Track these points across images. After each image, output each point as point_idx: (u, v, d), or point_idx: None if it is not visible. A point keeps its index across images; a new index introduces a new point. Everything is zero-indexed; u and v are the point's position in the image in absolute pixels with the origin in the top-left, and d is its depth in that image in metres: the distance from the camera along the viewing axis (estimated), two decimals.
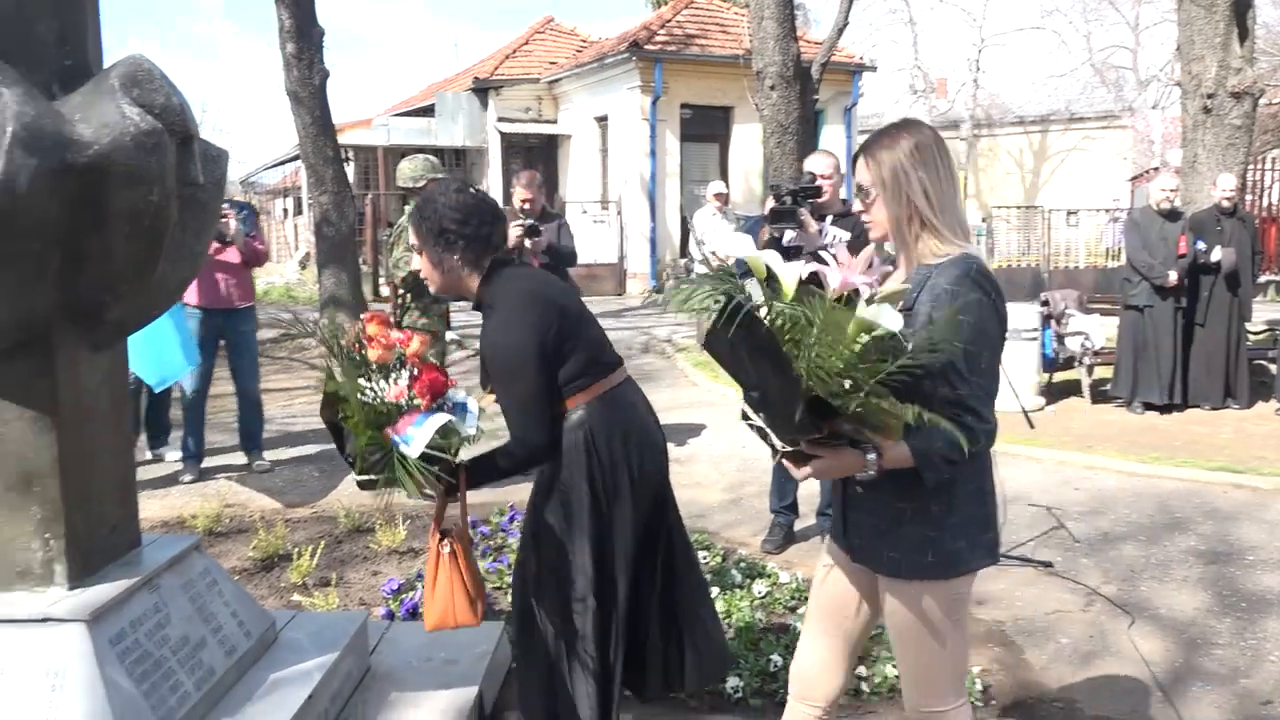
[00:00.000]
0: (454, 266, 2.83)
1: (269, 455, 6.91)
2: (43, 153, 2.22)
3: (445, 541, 2.72)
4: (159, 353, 5.84)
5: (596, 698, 2.76)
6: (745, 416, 2.27)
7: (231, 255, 6.31)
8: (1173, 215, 8.20)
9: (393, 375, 2.68)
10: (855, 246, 4.70)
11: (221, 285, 6.29)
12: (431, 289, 2.94)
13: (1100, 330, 8.91)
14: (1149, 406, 8.36)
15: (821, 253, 2.27)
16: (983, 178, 31.28)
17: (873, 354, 1.97)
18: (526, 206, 6.11)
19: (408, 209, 6.03)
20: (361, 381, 2.66)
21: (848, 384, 1.96)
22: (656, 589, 2.94)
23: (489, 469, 2.79)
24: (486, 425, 2.80)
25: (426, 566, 2.77)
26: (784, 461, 2.19)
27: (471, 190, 2.92)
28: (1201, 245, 8.17)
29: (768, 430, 2.18)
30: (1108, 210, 21.96)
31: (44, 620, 2.43)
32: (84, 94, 2.45)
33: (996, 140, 31.23)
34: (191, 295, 6.26)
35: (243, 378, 6.60)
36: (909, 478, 2.14)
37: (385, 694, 3.12)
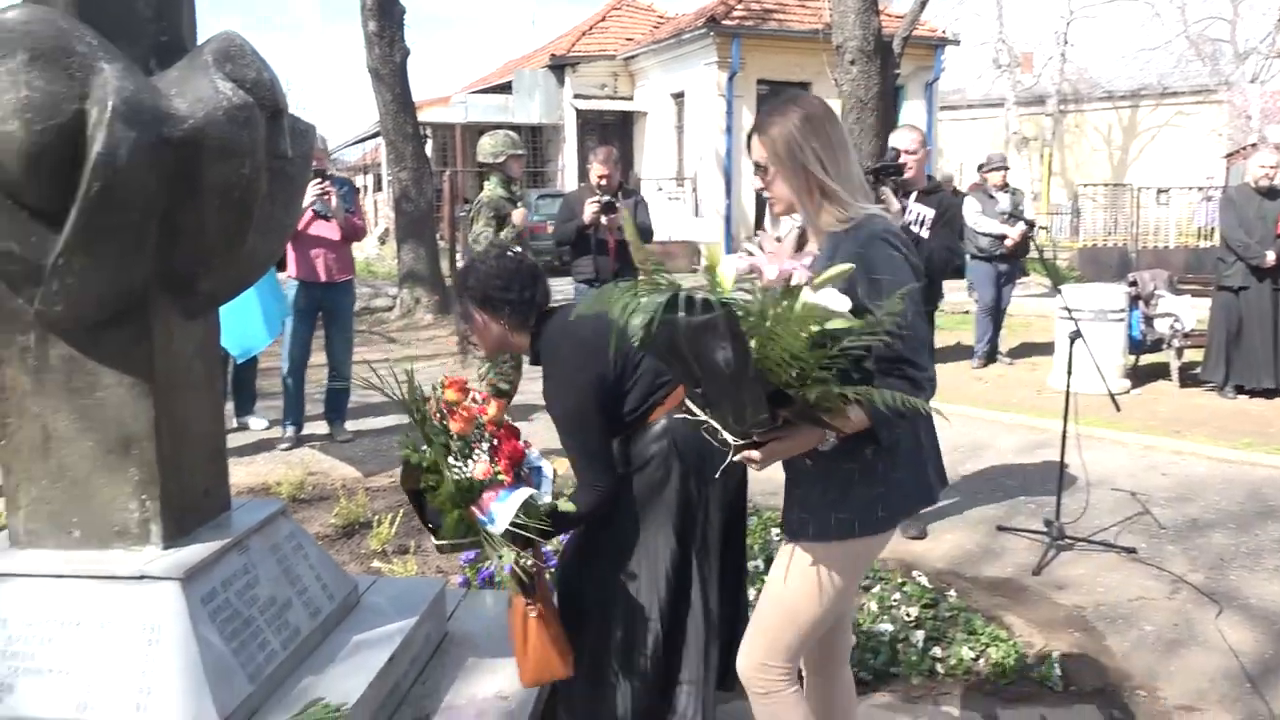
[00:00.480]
0: (501, 329, 2.93)
1: (351, 425, 7.06)
2: (141, 126, 2.30)
3: (531, 606, 2.72)
4: (243, 324, 6.01)
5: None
6: (690, 414, 2.21)
7: (331, 231, 6.45)
8: (1271, 193, 7.87)
9: (474, 448, 2.71)
10: (940, 223, 4.64)
11: (321, 259, 6.44)
12: (482, 351, 3.01)
13: (1191, 312, 8.62)
14: (1241, 391, 8.08)
15: (747, 244, 2.33)
16: (1068, 155, 30.41)
17: (822, 340, 1.98)
18: (603, 183, 6.11)
19: (487, 185, 6.12)
20: (450, 460, 2.68)
21: (796, 373, 1.97)
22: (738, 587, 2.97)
23: (563, 528, 2.87)
24: (560, 490, 2.86)
25: (514, 624, 2.77)
26: (741, 455, 2.17)
27: (511, 254, 3.01)
28: None
29: (718, 426, 2.15)
30: (1200, 188, 21.18)
31: (140, 578, 2.53)
32: (179, 69, 2.52)
33: (1084, 116, 30.31)
34: (292, 268, 6.43)
35: (335, 349, 6.75)
36: (853, 439, 2.15)
37: (462, 659, 3.18)
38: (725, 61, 18.54)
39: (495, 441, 2.72)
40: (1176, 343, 8.50)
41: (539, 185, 21.30)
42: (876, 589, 4.12)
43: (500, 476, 2.65)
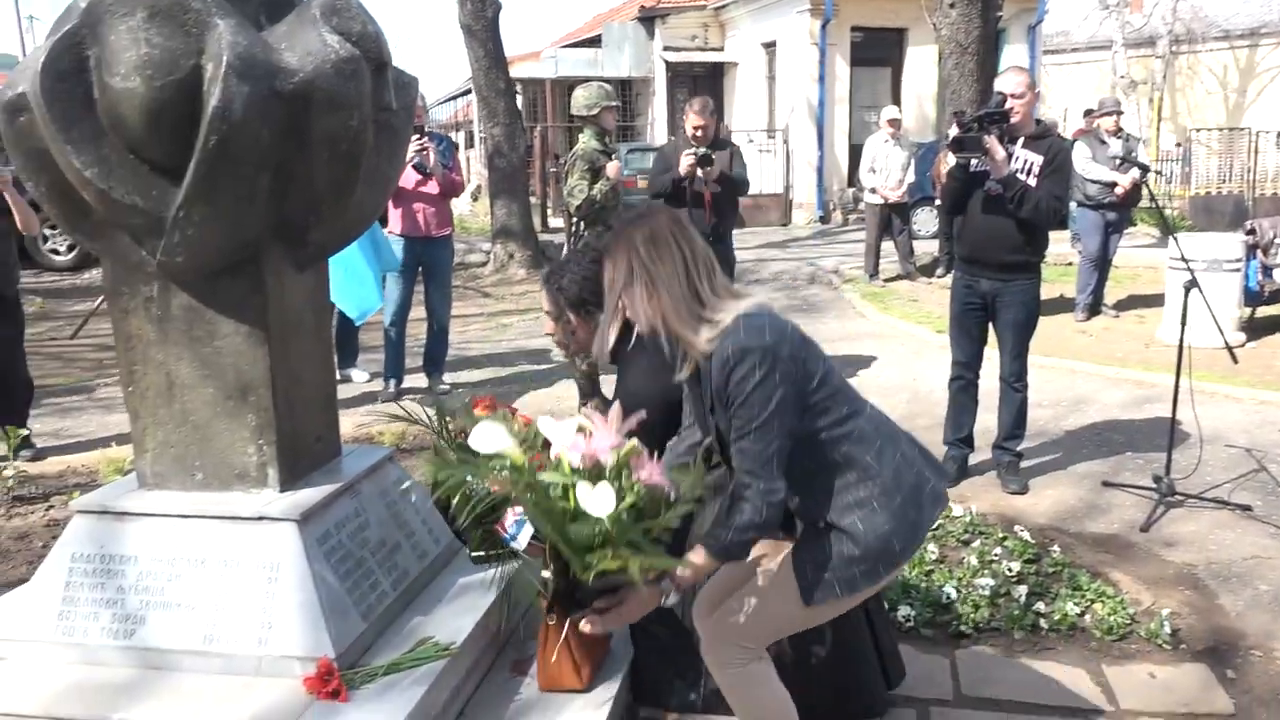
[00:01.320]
0: (591, 330, 2.98)
1: (449, 379, 7.20)
2: (254, 80, 2.36)
3: (551, 614, 2.69)
4: (358, 287, 6.17)
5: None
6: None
7: (431, 186, 6.55)
8: None
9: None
10: (1049, 170, 4.47)
11: (421, 215, 6.55)
12: (575, 347, 3.05)
13: None
14: None
15: (583, 415, 2.36)
16: (1179, 99, 29.01)
17: (626, 521, 2.15)
18: (699, 134, 6.05)
19: (581, 138, 6.11)
20: (469, 479, 2.64)
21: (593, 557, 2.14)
22: None
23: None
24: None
25: (540, 629, 2.78)
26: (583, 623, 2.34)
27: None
28: None
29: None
30: None
31: (260, 519, 2.64)
32: (288, 23, 2.57)
33: (1197, 57, 28.82)
34: (395, 224, 6.56)
35: (435, 303, 6.88)
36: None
37: None
38: (818, 8, 18.10)
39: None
40: None
41: (629, 139, 21.20)
42: (977, 544, 4.07)
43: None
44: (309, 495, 2.73)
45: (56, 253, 13.26)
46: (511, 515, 2.68)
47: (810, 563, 2.26)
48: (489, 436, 2.29)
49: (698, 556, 2.21)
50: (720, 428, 2.26)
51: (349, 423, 6.21)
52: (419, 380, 7.17)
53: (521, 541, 2.65)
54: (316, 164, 2.59)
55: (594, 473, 2.19)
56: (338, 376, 7.18)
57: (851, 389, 2.33)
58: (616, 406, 2.35)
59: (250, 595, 2.55)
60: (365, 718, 2.32)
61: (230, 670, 2.51)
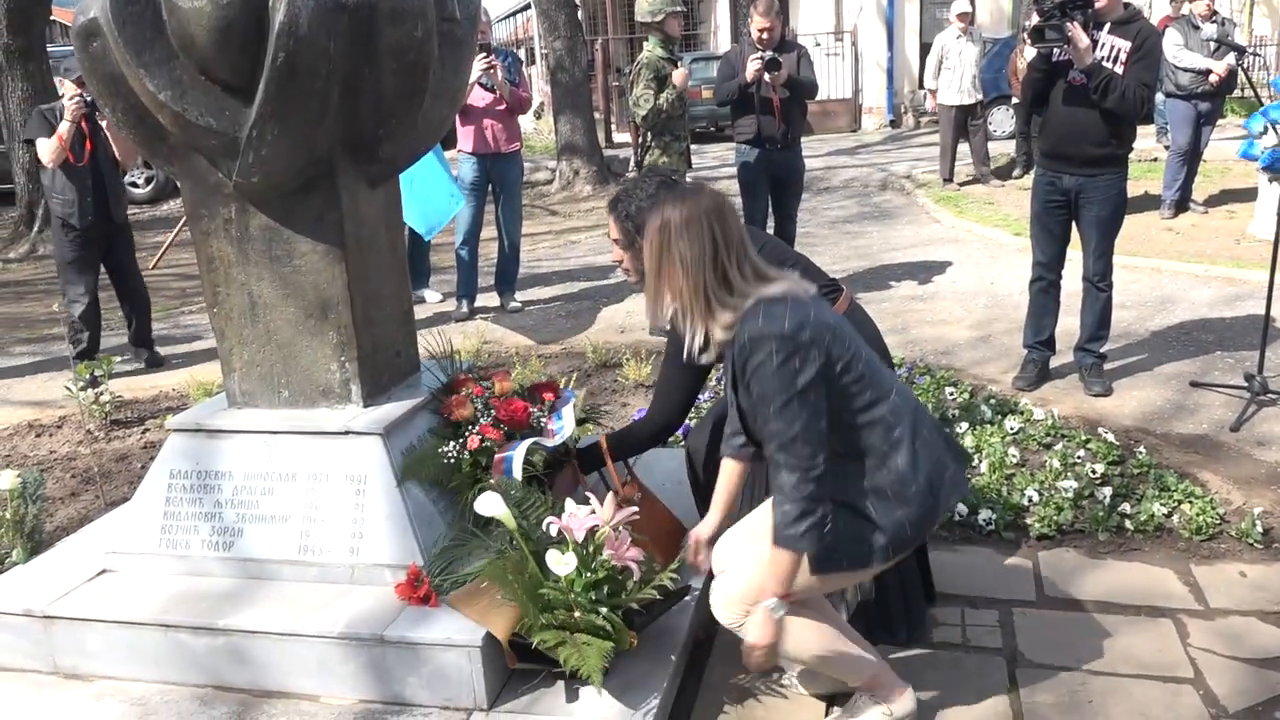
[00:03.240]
0: None
1: (520, 297, 7.25)
2: None
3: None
4: (425, 202, 6.18)
5: None
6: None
7: (498, 103, 6.50)
8: None
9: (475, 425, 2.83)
10: (1137, 57, 4.24)
11: (490, 131, 6.51)
12: (634, 279, 2.93)
13: None
14: None
15: (590, 494, 2.50)
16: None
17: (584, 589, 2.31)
18: (765, 36, 5.86)
19: (646, 45, 5.98)
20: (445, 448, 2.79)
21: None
22: None
23: (629, 447, 2.98)
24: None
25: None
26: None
27: (668, 180, 2.86)
28: None
29: None
30: None
31: (346, 433, 2.70)
32: None
33: None
34: (465, 142, 6.53)
35: (506, 221, 6.88)
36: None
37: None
38: None
39: (493, 411, 2.82)
40: None
41: (692, 48, 20.73)
42: (1059, 446, 4.00)
43: (489, 443, 2.75)
44: (391, 409, 2.78)
45: (135, 185, 13.55)
46: (499, 460, 2.73)
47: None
48: (488, 504, 2.40)
49: (778, 558, 2.17)
50: (742, 408, 2.28)
51: (424, 342, 6.31)
52: (491, 299, 7.22)
53: (516, 475, 2.69)
54: (384, 77, 2.59)
55: (571, 545, 2.36)
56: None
57: (881, 372, 2.28)
58: (611, 496, 2.43)
59: (341, 507, 2.63)
60: (454, 621, 2.39)
61: (325, 579, 2.60)
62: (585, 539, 2.38)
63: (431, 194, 6.25)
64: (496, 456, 2.74)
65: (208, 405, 3.00)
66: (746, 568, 2.32)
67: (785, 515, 2.12)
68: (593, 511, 2.42)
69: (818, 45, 17.70)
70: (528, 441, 2.77)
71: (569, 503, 2.45)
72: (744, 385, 2.20)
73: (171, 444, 2.84)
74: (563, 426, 2.90)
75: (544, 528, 2.43)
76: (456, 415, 2.85)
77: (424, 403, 2.91)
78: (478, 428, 2.79)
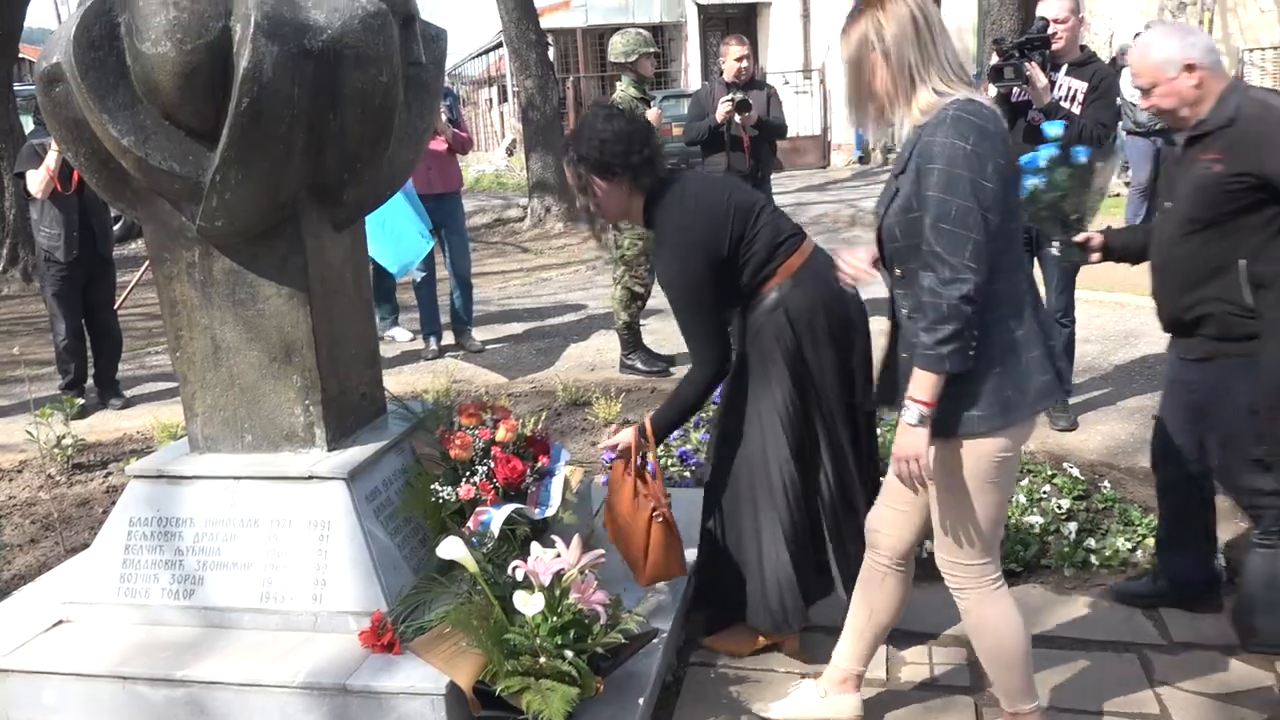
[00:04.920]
0: (624, 195, 2.83)
1: (490, 334, 7.24)
2: (283, 39, 2.35)
3: (659, 512, 2.75)
4: (396, 241, 6.16)
5: (787, 584, 2.82)
6: None
7: (438, 143, 6.51)
8: None
9: (474, 470, 2.82)
10: (1093, 97, 4.34)
11: (430, 173, 6.51)
12: (605, 219, 2.95)
13: None
14: None
15: (555, 538, 2.49)
16: (1231, 19, 28.00)
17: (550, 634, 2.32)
18: (743, 64, 5.94)
19: (619, 86, 6.03)
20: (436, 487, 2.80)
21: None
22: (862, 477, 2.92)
23: (680, 409, 2.88)
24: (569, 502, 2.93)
25: (632, 534, 2.81)
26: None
27: (620, 113, 2.88)
28: None
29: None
30: None
31: (310, 478, 2.68)
32: None
33: None
34: (409, 181, 6.54)
35: (455, 260, 6.87)
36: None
37: (610, 553, 3.26)
38: None
39: (492, 464, 2.80)
40: None
41: (663, 86, 20.95)
42: (1025, 481, 4.03)
43: (483, 499, 2.74)
44: (356, 453, 2.76)
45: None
46: (479, 514, 2.72)
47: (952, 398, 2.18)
48: (450, 549, 2.40)
49: (915, 379, 2.14)
50: (887, 220, 2.21)
51: (393, 381, 6.27)
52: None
53: (494, 531, 2.68)
54: (349, 121, 2.59)
55: (537, 588, 2.36)
56: (381, 337, 7.26)
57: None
58: (577, 538, 2.43)
59: (304, 553, 2.60)
60: (418, 669, 2.37)
61: (288, 626, 2.57)
62: (551, 583, 2.37)
63: (403, 233, 6.24)
64: (478, 509, 2.74)
65: (169, 450, 2.97)
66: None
67: (925, 331, 2.08)
68: (559, 555, 2.42)
69: (786, 83, 17.97)
70: (511, 507, 2.76)
71: (534, 546, 2.44)
72: (923, 176, 2.10)
73: (132, 490, 2.80)
74: (549, 503, 2.90)
75: (509, 572, 2.41)
76: (455, 453, 2.83)
77: (391, 445, 2.90)
78: (478, 481, 2.78)
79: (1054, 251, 2.90)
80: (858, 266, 2.45)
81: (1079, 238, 2.98)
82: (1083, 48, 4.56)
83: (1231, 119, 2.64)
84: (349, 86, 2.53)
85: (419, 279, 6.76)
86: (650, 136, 2.85)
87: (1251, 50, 21.60)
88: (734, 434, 2.86)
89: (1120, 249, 3.03)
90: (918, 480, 2.21)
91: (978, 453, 2.22)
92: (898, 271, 2.26)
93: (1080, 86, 4.39)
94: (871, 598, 2.56)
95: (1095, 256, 3.04)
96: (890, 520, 2.48)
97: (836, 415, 2.83)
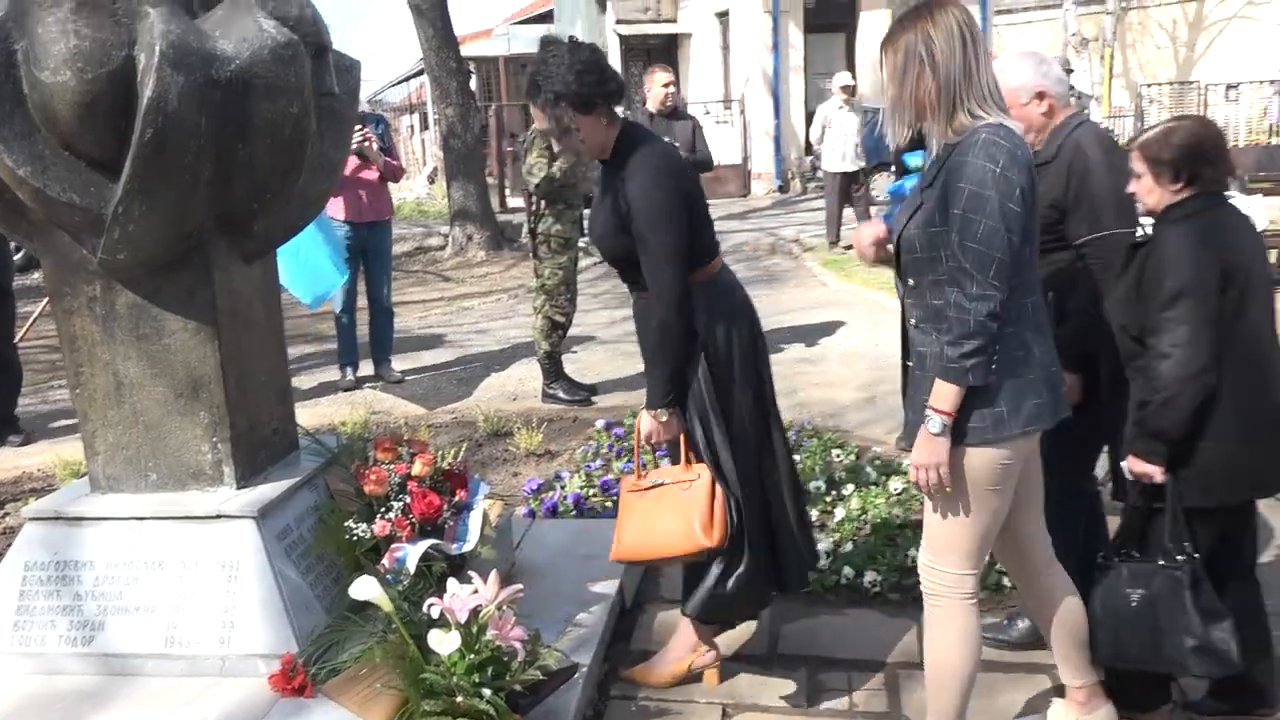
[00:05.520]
0: (600, 128, 2.73)
1: (409, 364, 7.15)
2: (189, 69, 2.30)
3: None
4: (310, 272, 6.05)
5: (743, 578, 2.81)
6: None
7: (369, 171, 6.46)
8: None
9: (389, 507, 2.78)
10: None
11: (361, 200, 6.45)
12: (590, 157, 2.87)
13: (1264, 212, 8.30)
14: None
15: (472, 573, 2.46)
16: (1131, 55, 29.23)
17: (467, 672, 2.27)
18: (669, 89, 6.02)
19: None
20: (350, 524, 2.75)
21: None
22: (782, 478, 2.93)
23: (676, 352, 2.72)
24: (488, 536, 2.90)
25: (695, 499, 2.71)
26: None
27: (581, 43, 2.78)
28: None
29: None
30: (1273, 81, 20.30)
31: (217, 517, 2.61)
32: (223, 9, 2.52)
33: (1147, 13, 29.02)
34: (338, 210, 6.45)
35: (377, 289, 6.79)
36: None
37: (530, 587, 3.23)
38: None
39: (408, 499, 2.77)
40: None
41: None
42: None
43: (399, 535, 2.71)
44: (267, 491, 2.70)
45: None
46: (394, 551, 2.68)
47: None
48: (364, 588, 2.35)
49: (936, 390, 2.19)
50: (908, 232, 2.26)
51: (309, 414, 6.15)
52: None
53: (410, 568, 2.64)
54: (259, 151, 2.55)
55: (454, 626, 2.32)
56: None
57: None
58: (494, 574, 2.41)
59: (211, 595, 2.52)
60: (331, 712, 2.31)
61: (194, 671, 2.48)
62: (468, 619, 2.33)
63: (317, 263, 6.14)
64: (394, 546, 2.69)
65: (68, 491, 2.86)
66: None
67: (950, 345, 2.14)
68: (476, 591, 2.38)
69: (707, 113, 18.19)
70: (427, 543, 2.72)
71: (451, 582, 2.40)
72: (952, 194, 2.15)
73: (27, 534, 2.69)
74: (466, 538, 2.86)
75: (425, 609, 2.37)
76: (370, 489, 2.78)
77: (303, 481, 2.84)
78: (393, 517, 2.73)
79: None
80: (863, 240, 2.55)
81: None
82: None
83: (1054, 155, 2.78)
84: (259, 117, 2.49)
85: (338, 308, 6.64)
86: (607, 64, 2.79)
87: (1149, 85, 22.57)
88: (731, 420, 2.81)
89: None
90: (936, 488, 2.25)
91: (978, 460, 2.27)
92: (910, 282, 2.32)
93: None
94: (1039, 612, 2.59)
95: None
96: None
97: (750, 431, 2.85)
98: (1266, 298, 2.50)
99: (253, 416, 2.79)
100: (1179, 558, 2.47)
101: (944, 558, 2.38)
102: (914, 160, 3.14)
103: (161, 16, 2.31)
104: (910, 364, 2.37)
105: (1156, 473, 2.45)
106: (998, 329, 2.16)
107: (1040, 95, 2.79)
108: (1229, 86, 19.32)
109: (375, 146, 6.35)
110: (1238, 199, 8.39)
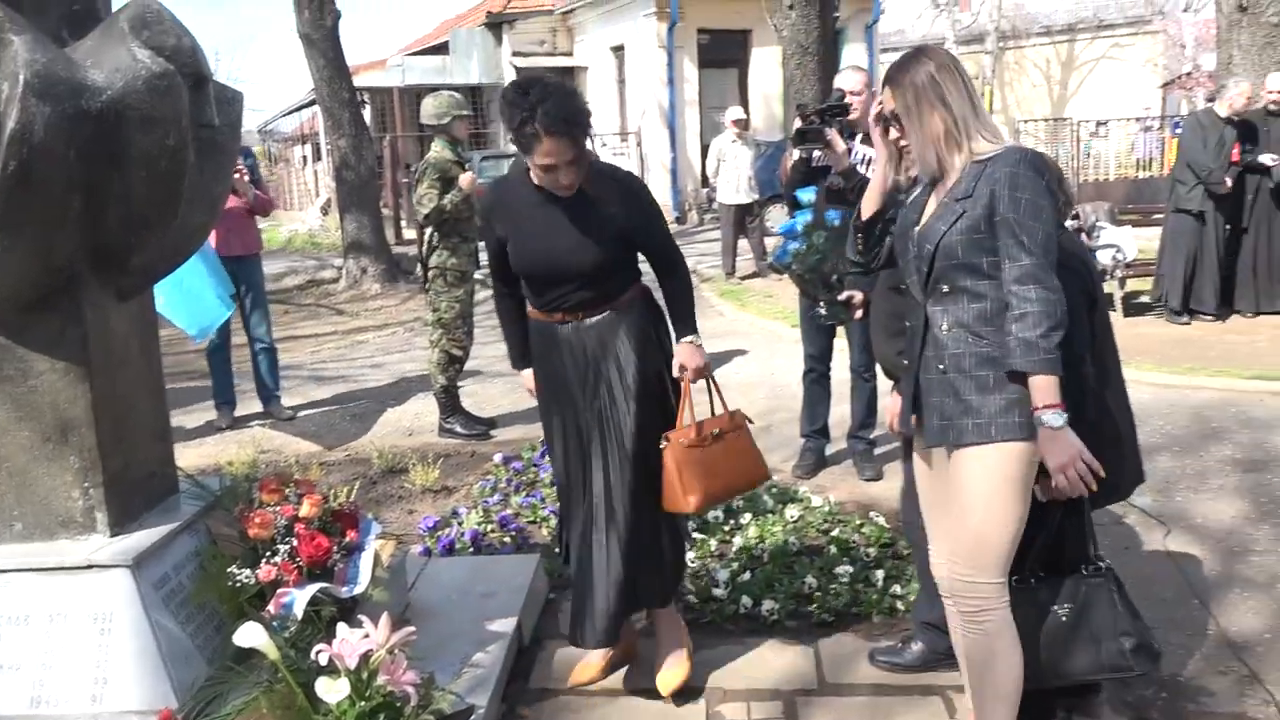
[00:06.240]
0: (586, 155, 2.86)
1: (301, 400, 6.96)
2: (55, 100, 2.21)
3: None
4: (195, 303, 5.85)
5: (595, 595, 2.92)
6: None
7: (238, 203, 6.27)
8: (1230, 122, 7.98)
9: (275, 550, 2.70)
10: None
11: (230, 235, 6.26)
12: (579, 182, 2.87)
13: (1133, 242, 8.74)
14: (1194, 314, 8.21)
15: (363, 616, 2.44)
16: (1008, 92, 30.56)
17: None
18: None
19: (433, 147, 5.97)
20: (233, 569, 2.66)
21: None
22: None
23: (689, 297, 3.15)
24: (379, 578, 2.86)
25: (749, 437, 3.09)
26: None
27: (548, 78, 2.89)
28: (1249, 147, 7.96)
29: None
30: (1139, 119, 21.46)
31: (89, 567, 2.48)
32: (94, 38, 2.43)
33: (1023, 52, 30.43)
34: (209, 243, 6.26)
35: (255, 325, 6.60)
36: (988, 346, 2.31)
37: (426, 627, 3.16)
38: (664, 12, 18.34)
39: (295, 542, 2.71)
40: (1119, 273, 8.62)
41: (482, 146, 21.00)
42: (836, 531, 4.17)
43: (286, 579, 2.64)
44: (143, 537, 2.58)
45: None
46: (281, 596, 2.60)
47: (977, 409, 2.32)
48: (248, 635, 2.26)
49: (1043, 386, 2.22)
50: (948, 239, 2.32)
51: (195, 454, 5.94)
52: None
53: (297, 613, 2.56)
54: (134, 184, 2.46)
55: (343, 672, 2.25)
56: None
57: None
58: (386, 616, 2.36)
59: (81, 650, 2.39)
60: None
61: None
62: (359, 665, 2.26)
63: (201, 295, 5.94)
64: (280, 591, 2.59)
65: None
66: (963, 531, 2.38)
67: (1042, 337, 2.20)
68: (366, 635, 2.31)
69: (604, 145, 18.35)
70: (315, 586, 2.64)
71: (340, 627, 2.33)
72: (1002, 207, 2.26)
73: None
74: (357, 580, 2.78)
75: (313, 656, 2.29)
76: (255, 533, 2.68)
77: (182, 526, 2.72)
78: (279, 561, 2.63)
79: (820, 311, 3.05)
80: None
81: (841, 297, 3.17)
82: None
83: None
84: (134, 149, 2.40)
85: (212, 345, 6.42)
86: None
87: (1026, 121, 23.60)
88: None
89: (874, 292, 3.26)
90: (1087, 479, 2.27)
91: (1014, 455, 2.31)
92: (945, 288, 2.36)
93: (873, 154, 4.65)
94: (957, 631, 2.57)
95: (858, 314, 3.23)
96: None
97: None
98: (1105, 316, 2.73)
99: (128, 460, 2.67)
100: (1100, 564, 2.55)
101: (987, 569, 2.38)
102: (805, 195, 3.22)
103: (26, 45, 2.21)
104: (938, 371, 2.38)
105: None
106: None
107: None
108: (1099, 123, 20.32)
109: (245, 180, 6.20)
110: (1108, 230, 8.78)
